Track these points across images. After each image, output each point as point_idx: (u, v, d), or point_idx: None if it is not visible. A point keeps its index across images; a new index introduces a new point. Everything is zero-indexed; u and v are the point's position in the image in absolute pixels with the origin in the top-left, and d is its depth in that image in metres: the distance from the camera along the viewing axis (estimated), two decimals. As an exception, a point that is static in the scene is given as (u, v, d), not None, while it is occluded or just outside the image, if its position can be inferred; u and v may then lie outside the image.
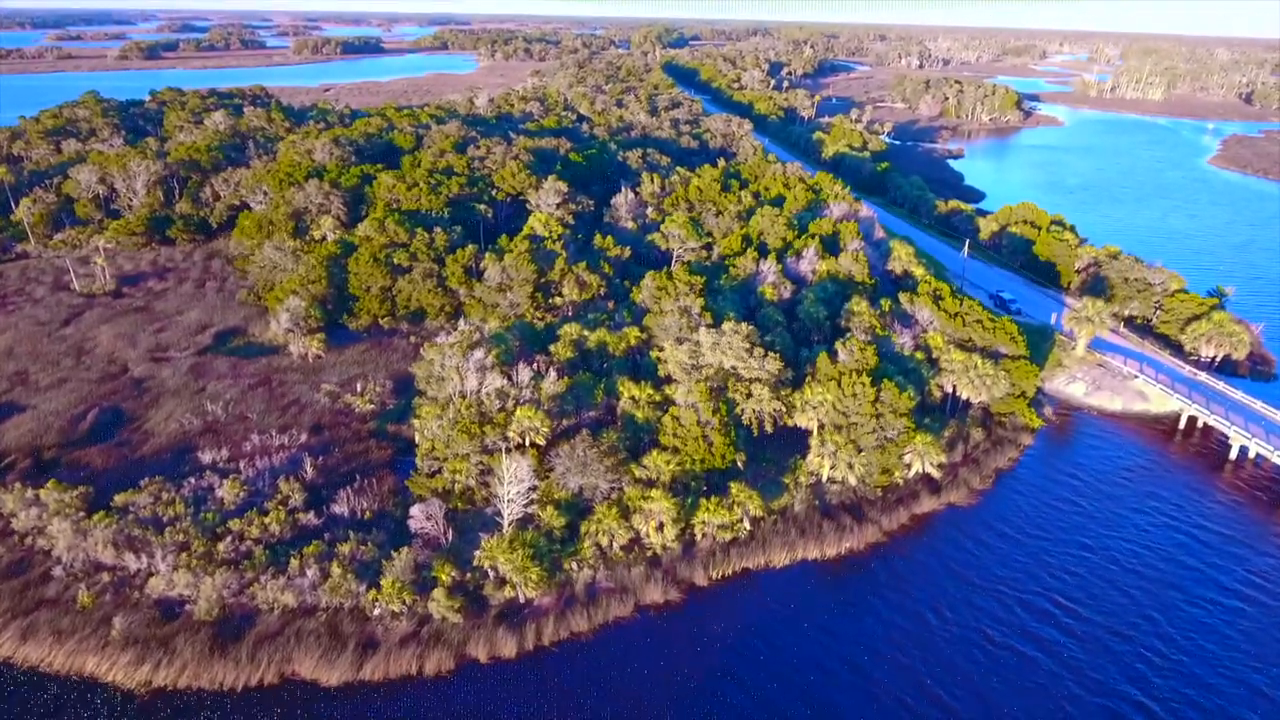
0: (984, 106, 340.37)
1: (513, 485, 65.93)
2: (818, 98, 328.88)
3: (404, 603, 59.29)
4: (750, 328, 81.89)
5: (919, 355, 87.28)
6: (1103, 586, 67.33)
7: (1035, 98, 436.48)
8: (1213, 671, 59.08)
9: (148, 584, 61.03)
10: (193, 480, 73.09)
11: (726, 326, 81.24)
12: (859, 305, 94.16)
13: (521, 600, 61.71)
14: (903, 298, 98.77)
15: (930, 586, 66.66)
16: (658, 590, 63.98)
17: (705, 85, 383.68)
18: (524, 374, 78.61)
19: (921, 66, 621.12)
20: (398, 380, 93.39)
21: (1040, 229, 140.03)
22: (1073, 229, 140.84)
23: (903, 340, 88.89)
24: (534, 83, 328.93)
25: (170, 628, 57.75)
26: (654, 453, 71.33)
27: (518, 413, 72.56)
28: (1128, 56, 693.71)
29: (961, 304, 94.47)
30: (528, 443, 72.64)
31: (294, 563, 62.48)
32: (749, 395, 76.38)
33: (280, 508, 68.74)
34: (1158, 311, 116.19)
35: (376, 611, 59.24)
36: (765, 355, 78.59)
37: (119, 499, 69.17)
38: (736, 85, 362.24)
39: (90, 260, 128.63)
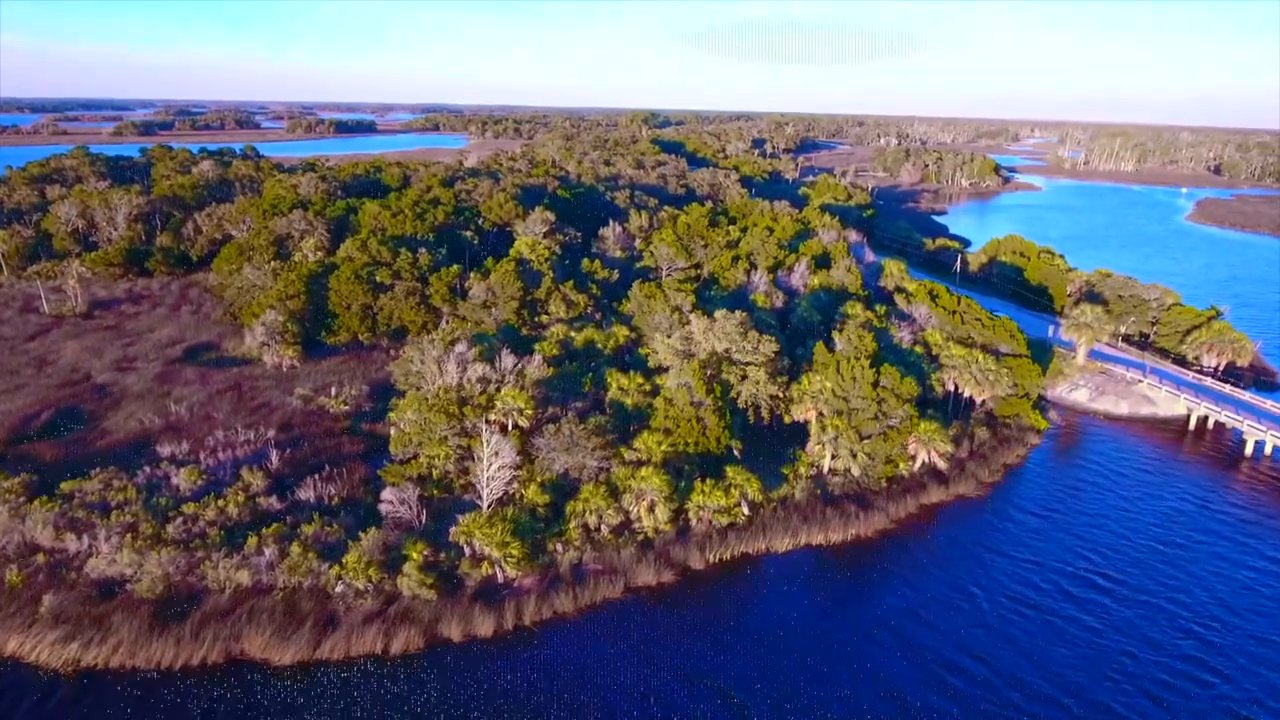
0: (963, 172, 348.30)
1: (493, 461, 61.17)
2: (802, 160, 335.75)
3: (370, 579, 53.72)
4: (744, 313, 78.72)
5: (918, 349, 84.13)
6: (1141, 558, 63.95)
7: (1012, 170, 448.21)
8: (1275, 630, 54.94)
9: (87, 564, 55.27)
10: (147, 469, 67.87)
11: (719, 314, 78.07)
12: (854, 308, 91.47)
13: (501, 579, 56.21)
14: (898, 298, 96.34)
15: (957, 562, 62.67)
16: (650, 572, 58.64)
17: (691, 155, 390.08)
18: (508, 360, 74.68)
19: (900, 144, 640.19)
20: (375, 386, 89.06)
21: (1029, 258, 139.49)
22: (1062, 257, 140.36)
23: (901, 335, 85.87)
24: (523, 150, 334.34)
25: (107, 606, 51.86)
26: (645, 434, 66.95)
27: (501, 393, 68.35)
28: (1097, 137, 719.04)
29: (959, 302, 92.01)
30: (511, 425, 68.13)
31: (251, 541, 56.99)
32: (744, 378, 72.57)
33: (240, 493, 63.52)
34: (1155, 327, 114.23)
35: (339, 589, 53.59)
36: (760, 338, 75.17)
37: (65, 486, 63.79)
38: (721, 155, 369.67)
39: (62, 288, 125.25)
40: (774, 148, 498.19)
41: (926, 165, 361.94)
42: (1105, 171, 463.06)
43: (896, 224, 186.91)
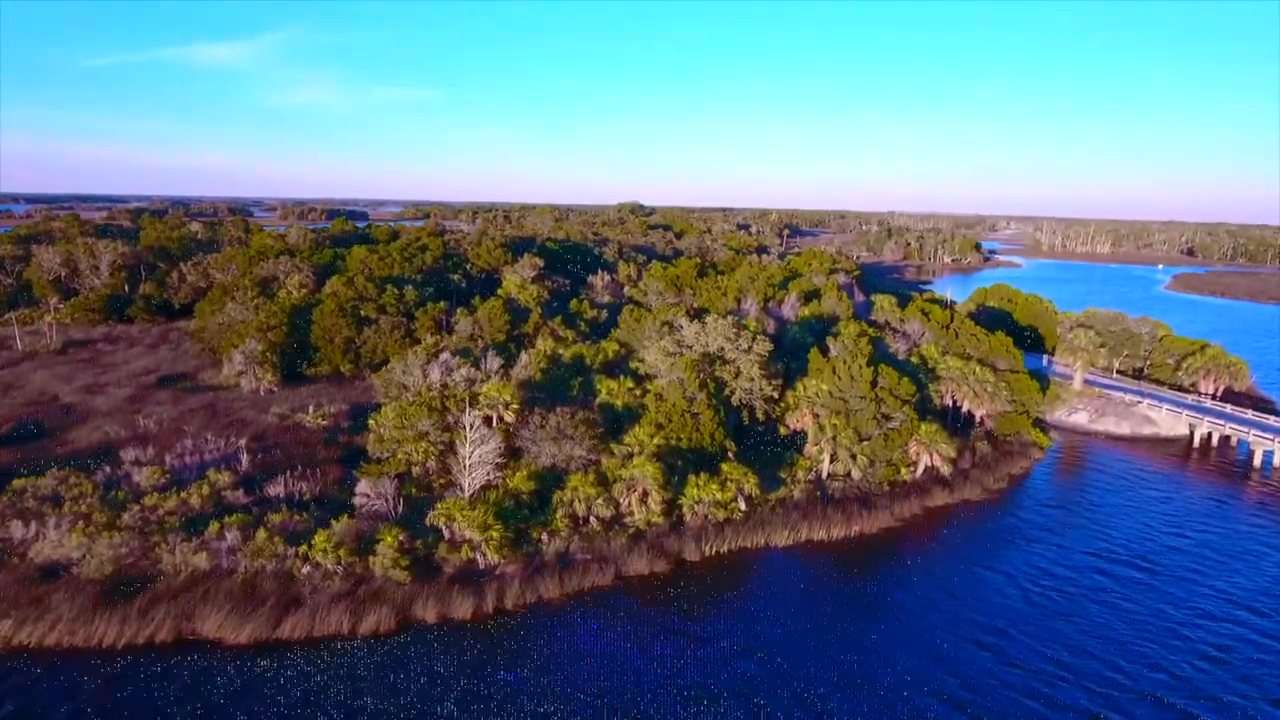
0: (945, 249, 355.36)
1: (475, 446, 57.89)
2: (786, 233, 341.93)
3: (339, 559, 49.63)
4: (735, 318, 76.93)
5: (914, 359, 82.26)
6: (1171, 545, 61.52)
7: (992, 252, 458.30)
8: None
9: (31, 548, 50.98)
10: (107, 469, 63.98)
11: (710, 318, 76.32)
12: (847, 327, 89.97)
13: (482, 565, 52.13)
14: (892, 317, 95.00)
15: (974, 549, 59.91)
16: (642, 561, 54.69)
17: (679, 235, 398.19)
18: (494, 362, 72.19)
19: (881, 228, 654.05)
20: (355, 406, 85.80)
21: (1017, 303, 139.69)
22: (1050, 301, 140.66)
23: (897, 346, 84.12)
24: (513, 226, 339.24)
25: (49, 587, 47.43)
26: (636, 428, 63.98)
27: (485, 388, 65.58)
28: (1071, 226, 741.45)
29: (952, 318, 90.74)
30: (496, 419, 65.04)
31: (213, 527, 52.94)
32: (738, 374, 70.13)
33: (206, 486, 59.64)
34: (1148, 359, 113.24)
35: (305, 570, 49.38)
36: (754, 336, 73.17)
37: (17, 483, 59.73)
38: (708, 234, 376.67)
39: (39, 330, 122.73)
40: (759, 232, 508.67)
41: (909, 244, 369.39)
42: (1082, 253, 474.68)
43: (885, 281, 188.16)
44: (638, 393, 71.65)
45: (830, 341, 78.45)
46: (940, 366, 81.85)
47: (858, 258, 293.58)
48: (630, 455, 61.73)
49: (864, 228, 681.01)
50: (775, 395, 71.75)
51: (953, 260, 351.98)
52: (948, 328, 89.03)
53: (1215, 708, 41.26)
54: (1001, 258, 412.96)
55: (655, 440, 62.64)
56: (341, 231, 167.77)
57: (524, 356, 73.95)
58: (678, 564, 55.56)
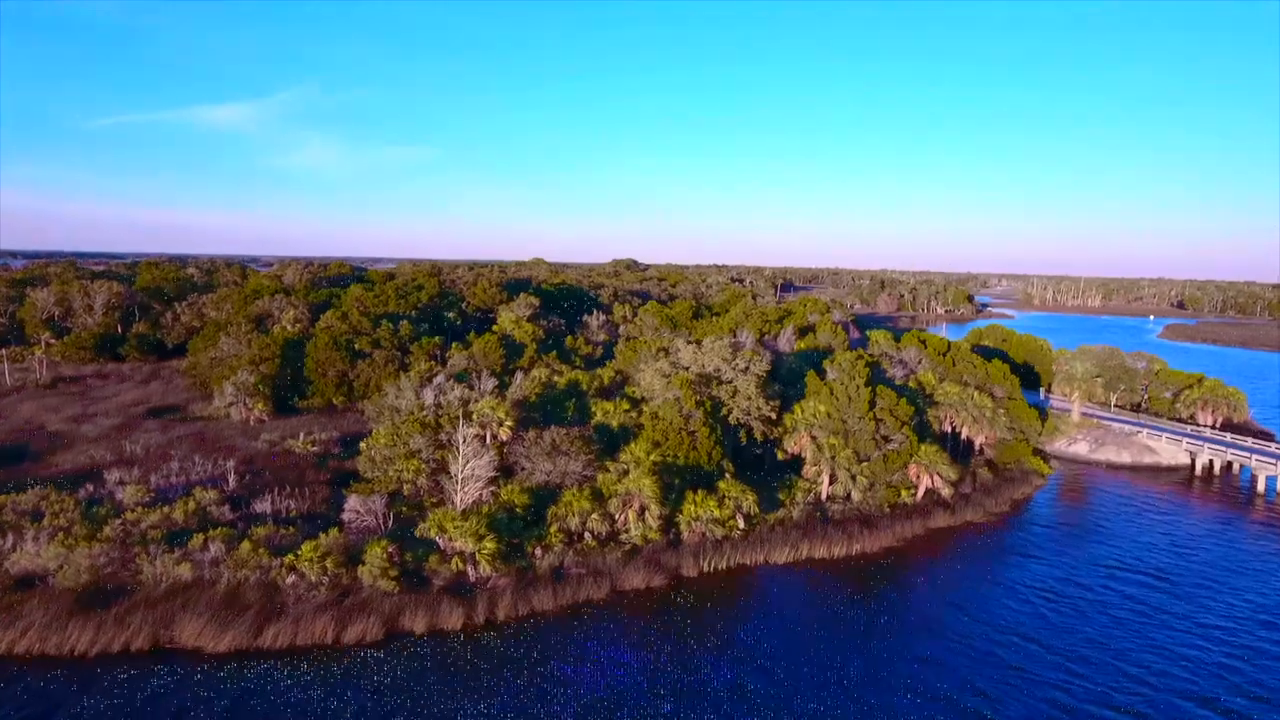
0: (938, 300, 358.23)
1: (468, 460, 56.72)
2: (780, 284, 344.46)
3: (325, 570, 48.04)
4: (731, 340, 76.55)
5: (912, 384, 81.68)
6: (1187, 554, 61.13)
7: (985, 304, 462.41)
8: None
9: (7, 560, 49.27)
10: (90, 487, 62.50)
11: (706, 341, 75.92)
12: (842, 357, 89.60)
13: (473, 578, 50.52)
14: (889, 349, 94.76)
15: (983, 564, 58.36)
16: (638, 576, 53.12)
17: (674, 285, 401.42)
18: (488, 383, 71.40)
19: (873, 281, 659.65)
20: (346, 435, 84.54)
21: (1011, 342, 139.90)
22: (1045, 340, 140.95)
23: (894, 372, 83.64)
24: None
25: (22, 595, 45.73)
26: (632, 444, 62.90)
27: (479, 405, 64.66)
28: (1061, 282, 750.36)
29: (949, 347, 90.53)
30: (490, 436, 63.96)
31: (196, 539, 51.37)
32: (735, 393, 69.33)
33: (191, 502, 58.12)
34: (1145, 394, 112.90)
35: (290, 580, 47.74)
36: (751, 356, 72.62)
37: (-4, 500, 58.16)
38: (703, 283, 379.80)
39: (29, 366, 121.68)
40: (752, 282, 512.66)
41: (902, 295, 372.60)
42: (1073, 305, 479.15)
43: (879, 328, 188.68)
44: (633, 414, 70.77)
45: (827, 365, 77.96)
46: (938, 393, 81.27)
47: (852, 307, 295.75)
48: (626, 471, 60.54)
49: (857, 282, 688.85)
50: (773, 416, 70.93)
51: (946, 311, 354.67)
52: (945, 354, 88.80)
53: (1255, 706, 39.86)
54: (994, 309, 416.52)
55: (652, 457, 61.51)
56: (338, 273, 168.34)
57: (518, 377, 73.20)
58: (675, 579, 53.98)
